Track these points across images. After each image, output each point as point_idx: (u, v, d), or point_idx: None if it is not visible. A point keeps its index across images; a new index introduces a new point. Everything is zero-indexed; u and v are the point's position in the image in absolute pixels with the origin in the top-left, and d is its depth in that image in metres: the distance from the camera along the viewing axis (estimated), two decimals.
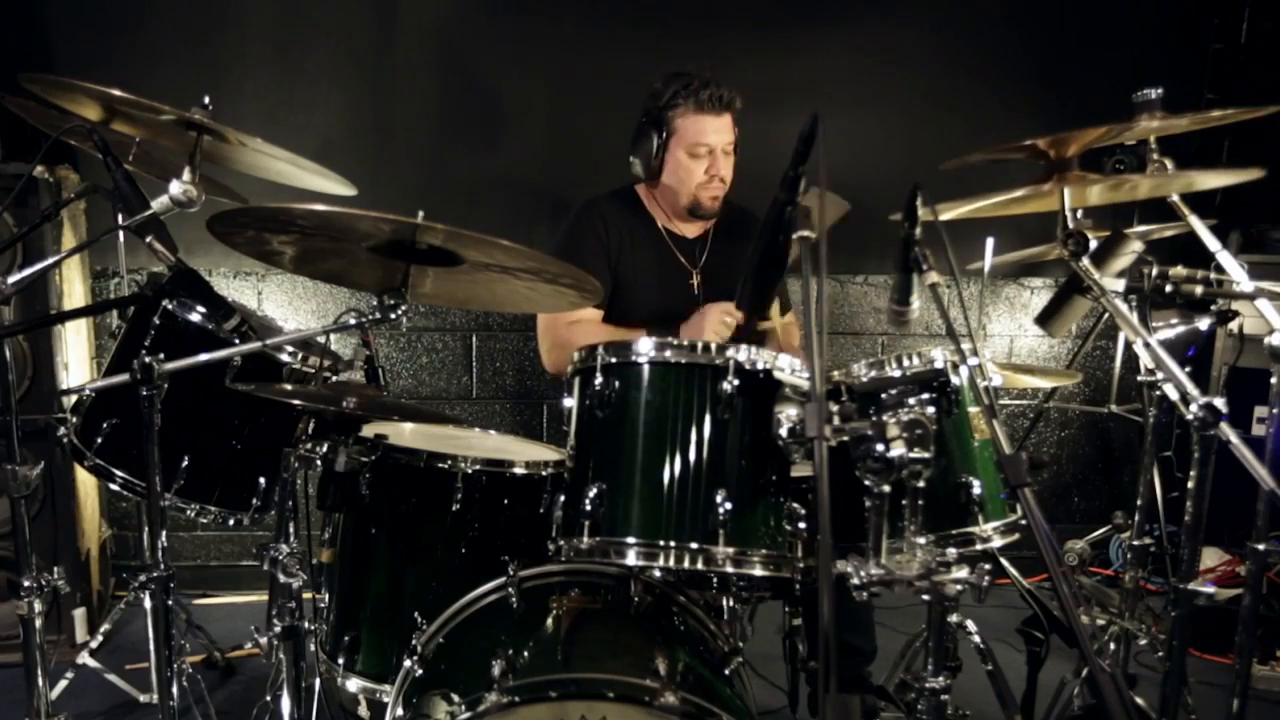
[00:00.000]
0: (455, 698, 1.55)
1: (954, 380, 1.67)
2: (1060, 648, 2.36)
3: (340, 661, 2.00)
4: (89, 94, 1.82)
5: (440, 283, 1.84)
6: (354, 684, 1.99)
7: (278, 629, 1.78)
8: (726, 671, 1.71)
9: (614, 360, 1.69)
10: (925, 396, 1.63)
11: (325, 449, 1.76)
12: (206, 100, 1.84)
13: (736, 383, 1.61)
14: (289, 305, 3.64)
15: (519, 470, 1.99)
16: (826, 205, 2.19)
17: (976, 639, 2.18)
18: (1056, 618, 2.31)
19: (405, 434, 2.20)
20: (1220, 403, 1.52)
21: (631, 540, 1.61)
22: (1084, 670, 2.19)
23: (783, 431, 1.57)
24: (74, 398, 2.22)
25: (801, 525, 1.64)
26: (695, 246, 2.68)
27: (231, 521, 2.18)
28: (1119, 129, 1.79)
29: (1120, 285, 1.71)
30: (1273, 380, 1.90)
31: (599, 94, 3.48)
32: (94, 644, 2.82)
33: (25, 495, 1.87)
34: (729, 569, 1.59)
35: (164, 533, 1.70)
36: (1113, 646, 2.48)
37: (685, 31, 3.55)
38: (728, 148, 2.55)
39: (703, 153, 2.52)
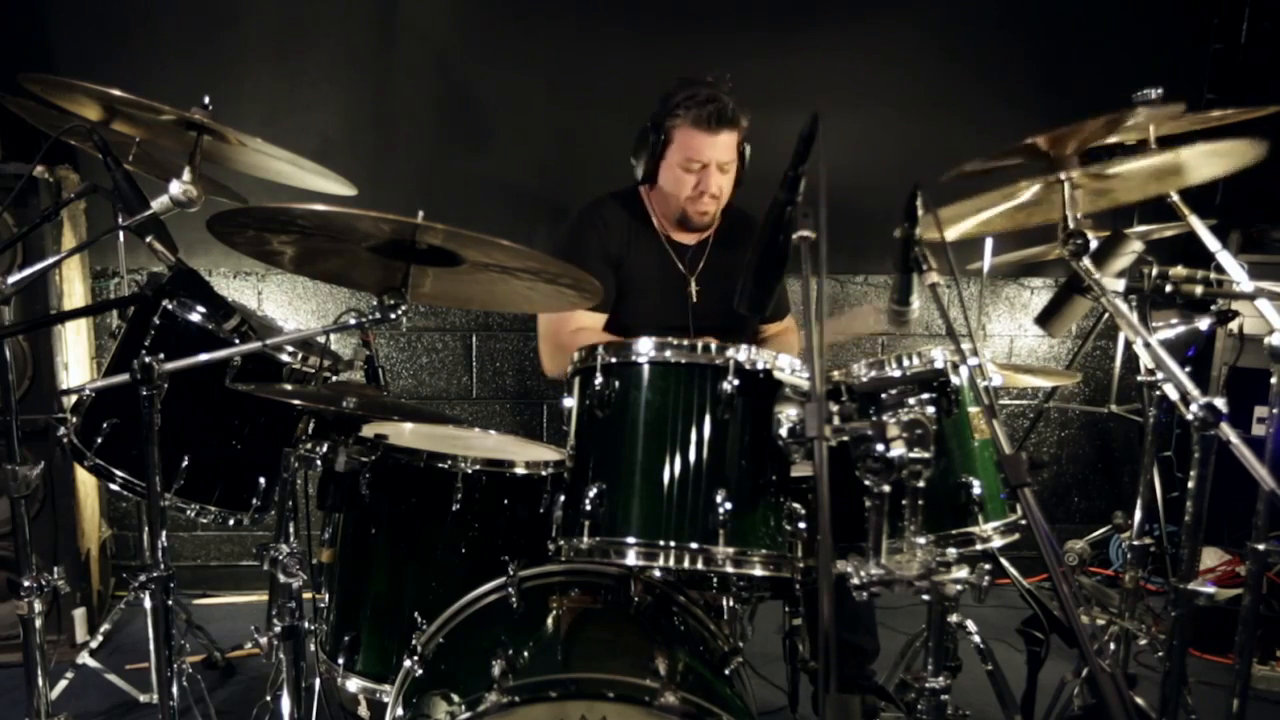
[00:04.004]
0: (455, 698, 1.55)
1: (954, 380, 1.67)
2: (1060, 648, 2.36)
3: (340, 661, 2.00)
4: (89, 94, 1.82)
5: (440, 283, 1.83)
6: (354, 684, 1.99)
7: (278, 629, 1.78)
8: (726, 671, 1.71)
9: (614, 360, 1.69)
10: (925, 396, 1.62)
11: (325, 449, 1.76)
12: (206, 100, 1.84)
13: (736, 383, 1.61)
14: (289, 305, 3.65)
15: (519, 470, 1.99)
16: (865, 318, 2.19)
17: (976, 639, 2.18)
18: (1056, 618, 2.31)
19: (405, 434, 2.20)
20: (1220, 403, 1.52)
21: (631, 540, 1.61)
22: (1084, 670, 2.18)
23: (783, 431, 1.57)
24: (74, 398, 2.22)
25: (801, 525, 1.64)
26: (693, 253, 2.65)
27: (231, 521, 2.18)
28: (1117, 119, 1.78)
29: (1120, 285, 1.70)
30: (1273, 380, 1.90)
31: (599, 94, 3.48)
32: (94, 644, 2.82)
33: (25, 495, 1.87)
34: (729, 569, 1.59)
35: (164, 533, 1.70)
36: (1113, 646, 2.48)
37: (685, 32, 3.55)
38: (724, 165, 2.47)
39: (695, 168, 2.46)
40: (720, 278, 2.61)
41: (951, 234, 1.82)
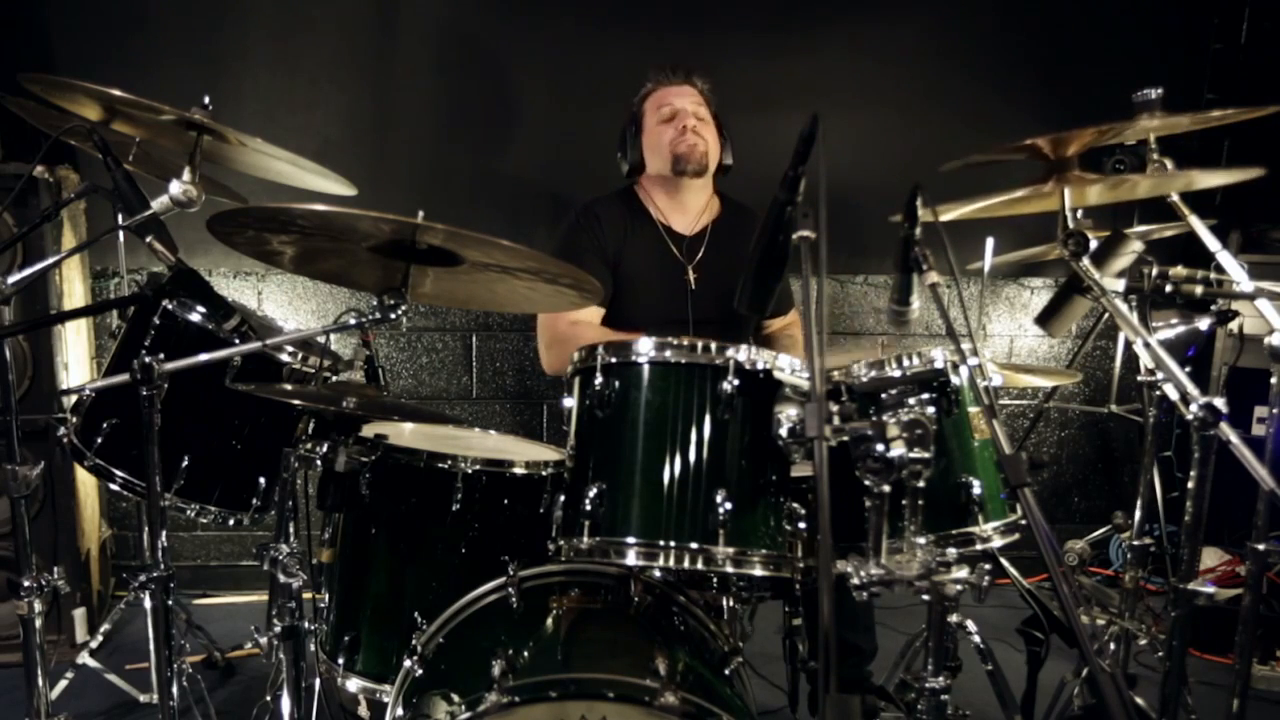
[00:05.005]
0: (455, 698, 1.55)
1: (954, 380, 1.67)
2: (1060, 648, 2.36)
3: (340, 661, 2.00)
4: (89, 94, 1.82)
5: (440, 283, 1.84)
6: (354, 684, 1.99)
7: (278, 629, 1.78)
8: (726, 671, 1.71)
9: (614, 360, 1.69)
10: (925, 396, 1.63)
11: (325, 449, 1.76)
12: (206, 100, 1.84)
13: (736, 383, 1.61)
14: (289, 305, 3.64)
15: (519, 470, 1.99)
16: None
17: (976, 639, 2.18)
18: (1056, 618, 2.31)
19: (405, 434, 2.20)
20: (1220, 403, 1.52)
21: (631, 540, 1.61)
22: (1084, 670, 2.18)
23: (783, 431, 1.57)
24: (74, 398, 2.22)
25: (801, 525, 1.64)
26: (691, 243, 2.67)
27: (231, 521, 2.18)
28: (1119, 127, 1.79)
29: (1120, 285, 1.70)
30: (1273, 380, 1.90)
31: (599, 94, 3.48)
32: (94, 644, 2.82)
33: (25, 495, 1.87)
34: (729, 569, 1.59)
35: (164, 533, 1.70)
36: (1113, 646, 2.48)
37: (685, 31, 3.55)
38: (698, 112, 2.60)
39: (669, 114, 2.59)
40: (719, 266, 2.63)
41: (950, 215, 1.82)
